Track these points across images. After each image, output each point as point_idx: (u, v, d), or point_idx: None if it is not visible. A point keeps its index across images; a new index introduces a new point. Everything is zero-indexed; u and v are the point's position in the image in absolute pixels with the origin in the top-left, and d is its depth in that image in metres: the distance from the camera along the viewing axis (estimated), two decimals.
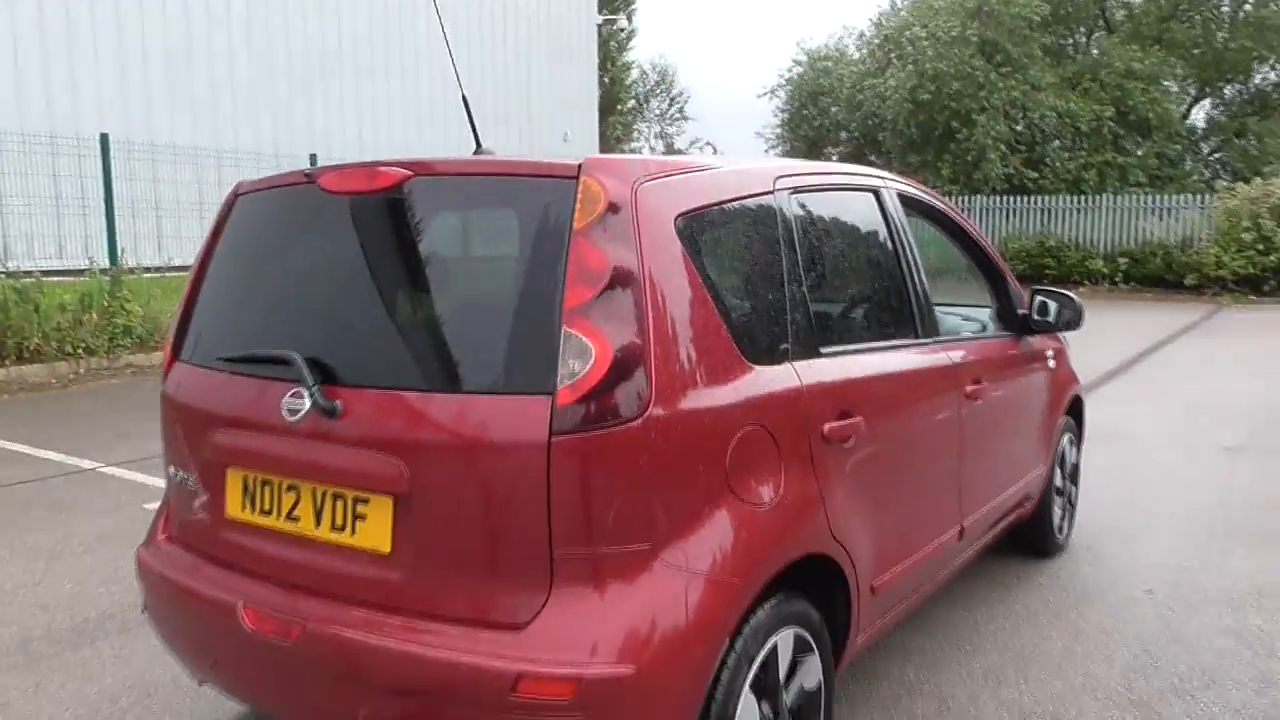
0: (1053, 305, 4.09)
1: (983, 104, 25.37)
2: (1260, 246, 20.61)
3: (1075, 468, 4.86)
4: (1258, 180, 21.69)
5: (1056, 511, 4.60)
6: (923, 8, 26.78)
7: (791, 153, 32.87)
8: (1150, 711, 3.14)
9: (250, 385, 2.41)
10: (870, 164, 31.10)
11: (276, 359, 2.29)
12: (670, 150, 39.78)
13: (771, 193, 2.64)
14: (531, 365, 2.03)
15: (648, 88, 40.71)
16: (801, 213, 2.73)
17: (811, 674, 2.48)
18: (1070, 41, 30.39)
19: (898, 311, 3.18)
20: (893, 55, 26.67)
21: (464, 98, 3.01)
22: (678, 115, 41.34)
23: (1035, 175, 26.01)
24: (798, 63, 32.61)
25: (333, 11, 16.53)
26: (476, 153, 2.78)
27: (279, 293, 2.53)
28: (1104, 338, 13.64)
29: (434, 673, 2.02)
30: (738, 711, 2.17)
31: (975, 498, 3.52)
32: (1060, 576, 4.38)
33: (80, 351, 9.91)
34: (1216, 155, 30.30)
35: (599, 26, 24.25)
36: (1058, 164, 26.34)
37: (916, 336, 3.21)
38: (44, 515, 5.28)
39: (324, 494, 2.25)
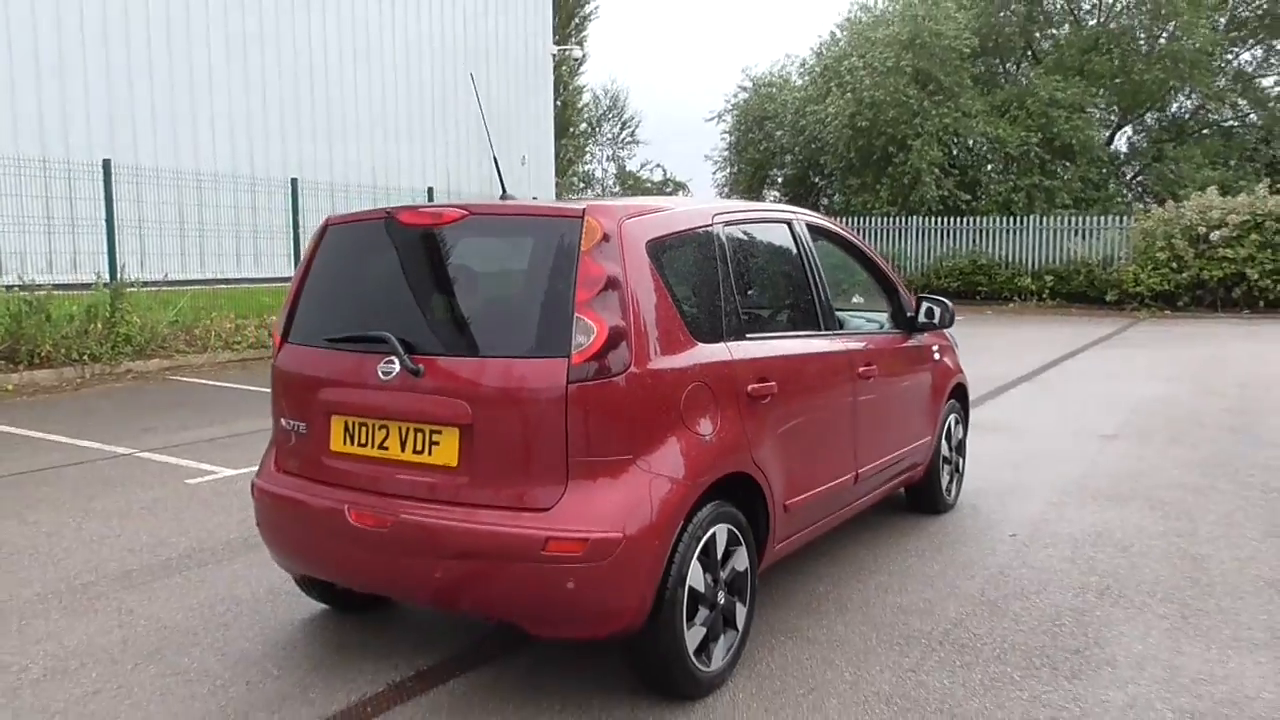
0: (935, 309, 5.26)
1: (917, 130, 26.90)
2: (1174, 265, 22.27)
3: (961, 443, 6.03)
4: (1171, 203, 23.39)
5: (945, 477, 5.75)
6: (860, 39, 28.29)
7: (738, 174, 34.24)
8: (995, 608, 4.27)
9: (350, 357, 3.45)
10: (813, 185, 32.70)
11: (374, 338, 3.35)
12: (622, 172, 41.05)
13: (710, 225, 3.75)
14: (555, 339, 3.10)
15: (600, 112, 42.10)
16: (732, 239, 3.84)
17: (741, 560, 3.56)
18: (1001, 71, 32.15)
19: (805, 310, 4.31)
20: (832, 84, 28.09)
21: (494, 158, 4.06)
22: (629, 139, 42.78)
23: (968, 197, 27.60)
24: (743, 89, 34.03)
25: (304, 40, 17.46)
26: (503, 197, 3.86)
27: (368, 293, 3.59)
28: (1022, 348, 15.01)
29: (490, 540, 3.07)
30: (689, 572, 3.25)
31: (868, 453, 4.64)
32: (946, 526, 5.53)
33: (85, 358, 10.74)
34: (1138, 179, 32.23)
35: (553, 55, 25.40)
36: (989, 187, 27.99)
37: (819, 329, 4.34)
38: (102, 488, 6.21)
39: (407, 429, 3.29)
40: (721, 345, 3.56)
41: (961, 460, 6.05)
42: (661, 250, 3.41)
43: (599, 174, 41.53)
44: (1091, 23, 31.19)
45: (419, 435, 3.28)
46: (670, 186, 39.41)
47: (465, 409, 3.16)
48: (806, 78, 31.94)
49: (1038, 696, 3.42)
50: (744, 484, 3.59)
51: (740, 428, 3.55)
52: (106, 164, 11.85)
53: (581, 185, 39.25)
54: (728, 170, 34.31)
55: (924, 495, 5.66)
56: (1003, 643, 3.89)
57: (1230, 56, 31.47)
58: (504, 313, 3.35)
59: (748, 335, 3.74)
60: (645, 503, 3.11)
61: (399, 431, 3.32)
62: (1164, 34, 30.04)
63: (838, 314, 4.61)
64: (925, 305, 5.26)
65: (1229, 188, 24.41)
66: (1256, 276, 21.54)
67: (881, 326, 5.24)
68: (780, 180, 34.40)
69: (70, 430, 7.97)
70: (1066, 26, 31.83)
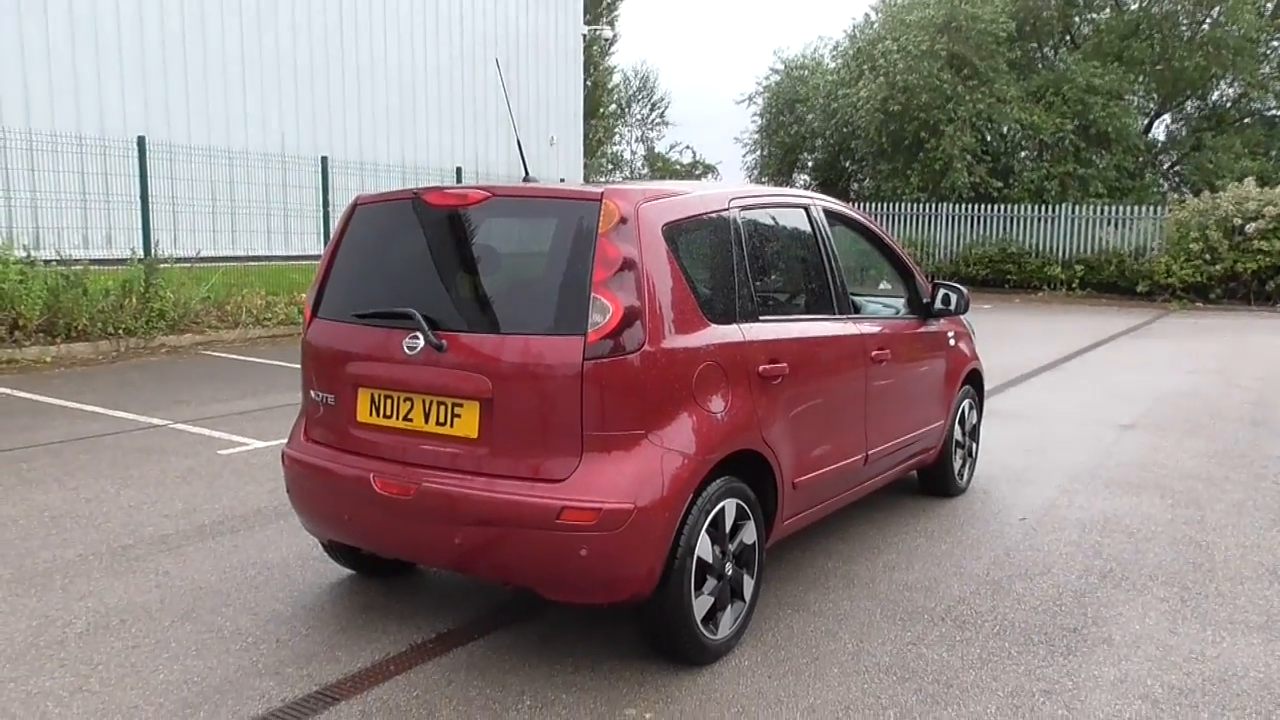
0: (951, 296, 5.35)
1: (950, 115, 26.73)
2: (1207, 256, 22.04)
3: (975, 428, 6.12)
4: (1206, 194, 23.14)
5: (957, 461, 5.84)
6: (894, 22, 28.10)
7: (768, 158, 34.16)
8: (998, 587, 4.39)
9: (377, 332, 3.61)
10: (843, 170, 32.55)
11: (400, 314, 3.50)
12: (651, 153, 41.03)
13: (726, 210, 3.87)
14: (572, 317, 3.25)
15: (630, 93, 42.07)
16: (747, 223, 3.96)
17: (749, 534, 3.70)
18: (1038, 56, 31.81)
19: (819, 294, 4.42)
20: (865, 67, 27.96)
21: (518, 141, 4.19)
22: (659, 120, 42.75)
23: (1000, 185, 27.42)
24: (775, 71, 33.91)
25: (335, 19, 17.63)
26: (525, 179, 4.00)
27: (395, 270, 3.74)
28: (1047, 337, 14.99)
29: (508, 508, 3.23)
30: (697, 544, 3.40)
31: (878, 435, 4.75)
32: (956, 509, 5.63)
33: (121, 332, 11.02)
34: (1175, 168, 31.83)
35: (584, 35, 25.46)
36: (1022, 174, 27.78)
37: (833, 313, 4.45)
38: (138, 457, 6.44)
39: (431, 402, 3.45)
40: (734, 327, 3.68)
41: (974, 445, 6.14)
42: (678, 233, 3.53)
43: (627, 155, 41.58)
44: (1133, 7, 30.72)
45: (441, 408, 3.43)
46: (699, 169, 39.40)
47: (486, 383, 3.31)
48: (839, 60, 31.77)
49: (1032, 670, 3.54)
50: (754, 461, 3.72)
51: (751, 407, 3.67)
52: (141, 141, 12.11)
53: (610, 167, 39.29)
54: (757, 153, 34.25)
55: (936, 478, 5.76)
56: (1002, 620, 4.00)
57: (1276, 44, 30.95)
58: (524, 292, 3.49)
59: (761, 317, 3.87)
60: (656, 476, 3.26)
61: (423, 404, 3.47)
62: (1207, 19, 29.57)
63: (854, 299, 4.72)
64: (941, 292, 5.35)
65: (1268, 179, 24.09)
66: None
67: (898, 312, 5.34)
68: (810, 165, 34.30)
69: (106, 402, 8.23)
70: (1107, 11, 31.35)
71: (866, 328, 4.69)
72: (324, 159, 14.35)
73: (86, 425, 7.38)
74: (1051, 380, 10.79)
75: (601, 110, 38.52)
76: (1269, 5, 29.60)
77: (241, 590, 4.23)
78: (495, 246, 3.62)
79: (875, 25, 29.95)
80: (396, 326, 3.54)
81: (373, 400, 3.61)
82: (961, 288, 5.35)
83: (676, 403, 3.38)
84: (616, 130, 41.23)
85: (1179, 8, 30.11)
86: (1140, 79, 29.76)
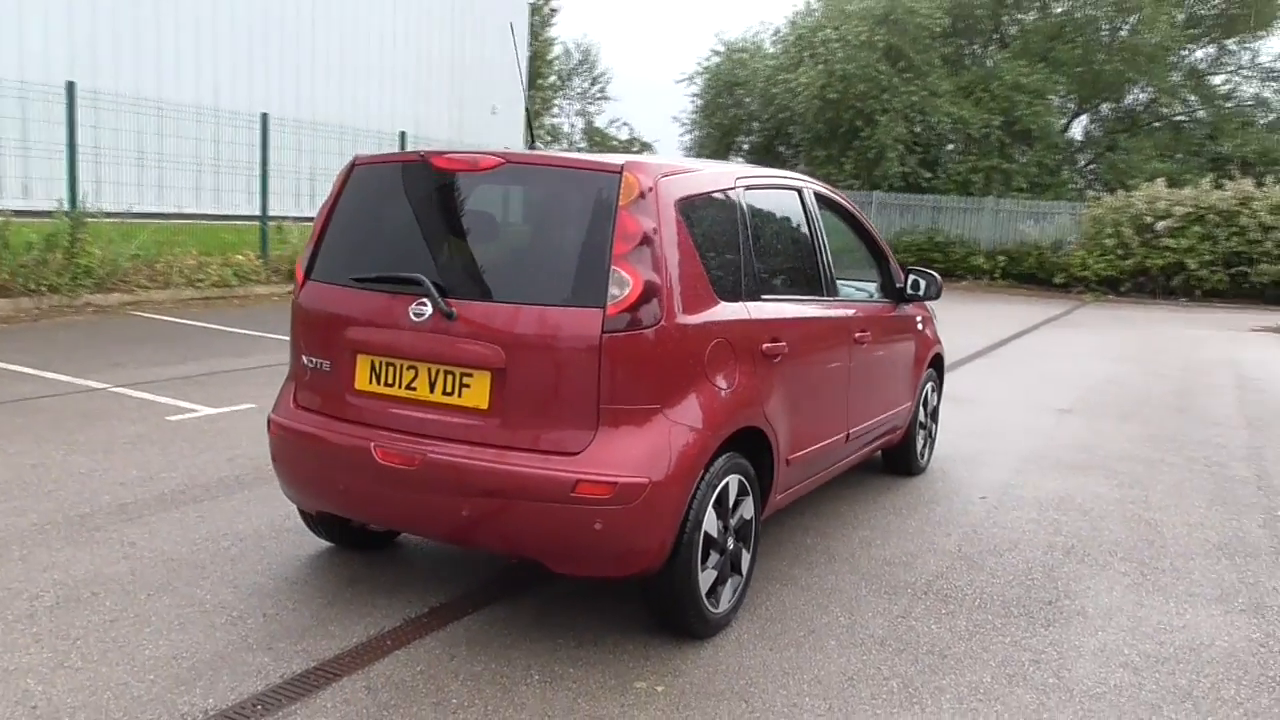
0: (922, 281, 5.45)
1: (885, 106, 27.16)
2: (1120, 251, 22.88)
3: (935, 410, 6.26)
4: (1121, 192, 24.01)
5: (920, 441, 5.98)
6: (835, 11, 28.40)
7: (705, 139, 34.23)
8: (971, 562, 4.51)
9: (379, 297, 3.52)
10: (778, 155, 32.81)
11: (407, 279, 3.42)
12: (590, 128, 40.75)
13: (734, 188, 3.87)
14: (591, 289, 3.21)
15: (571, 66, 41.63)
16: (750, 203, 3.97)
17: (748, 509, 3.73)
18: (968, 53, 32.49)
19: (810, 276, 4.46)
20: (806, 54, 28.19)
21: (527, 108, 4.11)
22: (599, 95, 42.43)
23: (929, 175, 28.00)
24: (716, 53, 33.91)
25: None
26: (530, 148, 3.94)
27: (398, 235, 3.65)
28: (976, 325, 15.37)
29: (520, 480, 3.19)
30: (705, 517, 3.41)
31: (858, 415, 4.83)
32: (919, 487, 5.77)
33: (44, 289, 10.53)
34: (1091, 166, 32.90)
35: (528, 3, 25.13)
36: (950, 166, 28.41)
37: (822, 295, 4.50)
38: (81, 422, 6.18)
39: (437, 371, 3.38)
40: (740, 305, 3.69)
41: (934, 426, 6.28)
42: (691, 209, 3.52)
43: (566, 128, 41.19)
44: (1058, 10, 31.59)
45: (449, 377, 3.37)
46: (636, 146, 39.24)
47: (499, 353, 3.26)
48: (779, 46, 31.97)
49: (1018, 641, 3.66)
50: (754, 438, 3.74)
51: (755, 384, 3.70)
52: (71, 87, 11.51)
53: (548, 139, 38.88)
54: (695, 133, 34.27)
55: (900, 458, 5.88)
56: (981, 594, 4.12)
57: (1185, 53, 32.16)
58: (539, 262, 3.44)
59: (762, 297, 3.89)
60: (670, 451, 3.26)
61: (428, 373, 3.40)
62: (1125, 26, 30.59)
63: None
64: (913, 278, 5.45)
65: (1177, 180, 25.07)
66: (1195, 266, 22.19)
67: (871, 296, 5.42)
68: (746, 147, 34.49)
69: (36, 362, 7.87)
70: (1034, 13, 32.19)
71: (850, 310, 4.76)
72: (264, 116, 13.85)
73: (16, 386, 7.05)
74: (985, 367, 11.09)
75: (540, 81, 38.08)
76: (1179, 17, 30.71)
77: (217, 562, 4.11)
78: (508, 215, 3.57)
79: (817, 13, 30.17)
80: (401, 292, 3.46)
81: (373, 367, 3.52)
82: (934, 274, 5.46)
83: (689, 378, 3.38)
84: (556, 103, 40.82)
85: (1100, 14, 31.08)
86: (1062, 80, 30.63)
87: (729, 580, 3.65)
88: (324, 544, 4.34)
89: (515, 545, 3.38)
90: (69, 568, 3.97)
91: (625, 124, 41.27)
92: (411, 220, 3.68)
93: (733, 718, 3.05)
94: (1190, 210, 22.32)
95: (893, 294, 5.45)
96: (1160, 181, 23.70)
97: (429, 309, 3.36)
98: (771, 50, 33.22)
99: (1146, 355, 12.55)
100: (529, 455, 3.23)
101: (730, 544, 3.62)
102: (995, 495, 5.65)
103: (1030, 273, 24.39)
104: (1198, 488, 5.99)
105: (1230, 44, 32.80)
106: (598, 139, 39.19)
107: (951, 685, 3.30)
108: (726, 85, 33.45)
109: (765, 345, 3.79)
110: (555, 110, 40.48)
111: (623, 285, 3.19)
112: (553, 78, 39.72)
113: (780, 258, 4.34)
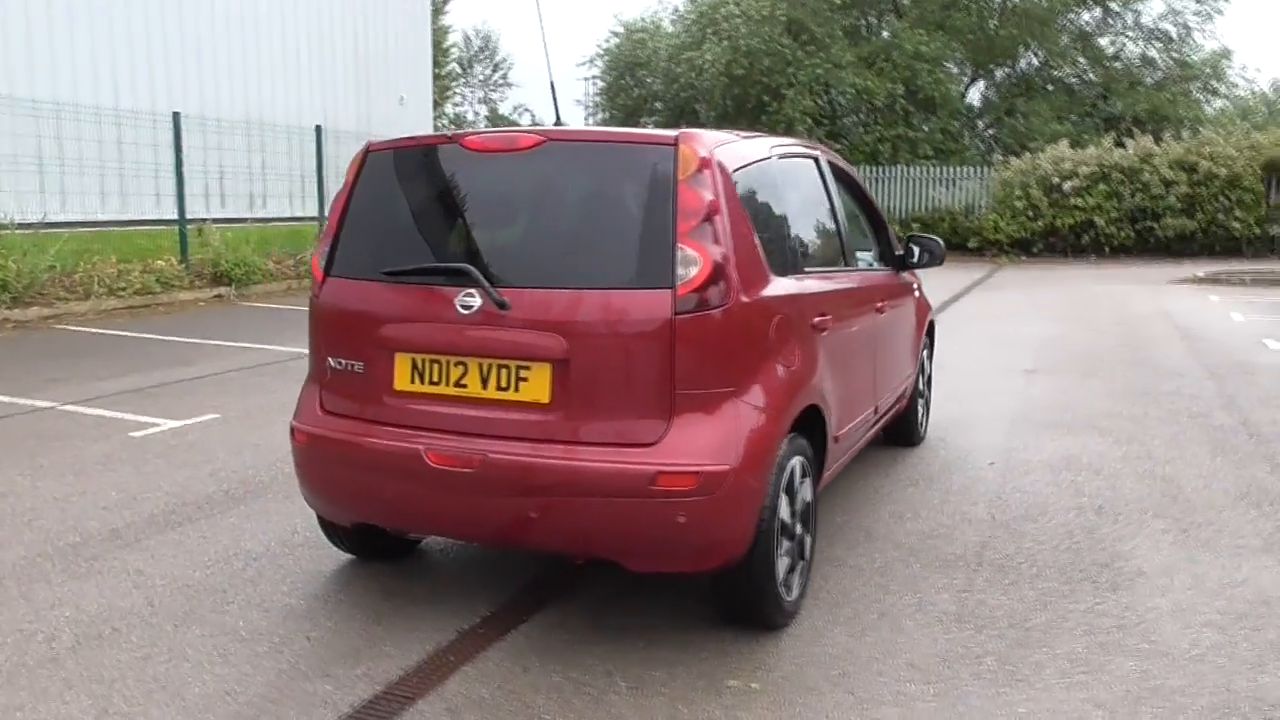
0: (923, 249, 5.38)
1: (791, 80, 27.33)
2: (1030, 213, 23.52)
3: (929, 377, 6.24)
4: (1027, 155, 24.66)
5: (919, 410, 5.94)
6: None
7: (610, 121, 33.97)
8: (1010, 530, 4.46)
9: (417, 291, 3.27)
10: None
11: (451, 270, 3.17)
12: (494, 115, 40.08)
13: (769, 158, 3.71)
14: (657, 270, 3.02)
15: (471, 53, 40.82)
16: (785, 172, 3.82)
17: (807, 491, 3.59)
18: (863, 24, 32.91)
19: (835, 246, 4.34)
20: (708, 30, 28.15)
21: (551, 83, 3.87)
22: (501, 81, 41.72)
23: (838, 147, 28.26)
24: (615, 34, 33.65)
25: None
26: (557, 124, 3.71)
27: (431, 223, 3.40)
28: None
29: (594, 476, 2.99)
30: (779, 504, 3.26)
31: (883, 387, 4.74)
32: (926, 458, 5.72)
33: None
34: (990, 131, 33.72)
35: None
36: (857, 136, 28.77)
37: (844, 265, 4.38)
38: (40, 444, 5.71)
39: (490, 365, 3.15)
40: (791, 279, 3.55)
41: (929, 394, 6.26)
42: (743, 181, 3.35)
43: (470, 116, 40.39)
44: None
45: (503, 371, 3.14)
46: None
47: (560, 343, 3.05)
48: (680, 25, 31.88)
49: (1093, 608, 3.61)
50: (811, 416, 3.61)
51: (812, 361, 3.56)
52: None
53: (453, 128, 38.13)
54: (599, 117, 33.97)
55: (902, 428, 5.82)
56: (1034, 561, 4.07)
57: (1073, 16, 33.16)
58: (595, 243, 3.21)
59: (805, 270, 3.75)
60: (748, 434, 3.10)
61: (479, 368, 3.17)
62: None
63: None
64: (915, 245, 5.37)
65: (1076, 141, 25.86)
66: (1103, 224, 22.95)
67: (871, 264, 5.33)
68: (650, 127, 34.36)
69: None
70: None
71: (871, 280, 4.66)
72: (176, 115, 13.13)
73: None
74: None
75: (438, 70, 37.24)
76: None
77: (237, 585, 3.80)
78: (554, 195, 3.31)
79: None
80: (444, 284, 3.21)
81: (414, 366, 3.27)
82: (937, 240, 5.39)
83: (758, 358, 3.22)
84: (457, 91, 40.02)
85: None
86: (959, 47, 31.28)
87: (797, 566, 3.51)
88: (344, 557, 4.06)
89: (587, 545, 3.17)
90: (78, 603, 3.62)
91: (526, 109, 40.73)
92: (445, 207, 3.42)
93: (841, 711, 2.91)
94: (1095, 169, 23.03)
95: (893, 261, 5.37)
96: (1064, 143, 24.40)
97: (478, 300, 3.13)
98: (671, 29, 33.12)
99: (1079, 313, 12.85)
100: (600, 449, 3.03)
101: (798, 529, 3.48)
102: (1002, 460, 5.64)
103: (945, 238, 24.55)
104: (1193, 439, 6.08)
105: (1114, 5, 33.94)
106: (505, 125, 38.63)
107: (1047, 659, 3.22)
108: (628, 66, 33.23)
109: (816, 319, 3.65)
110: (459, 98, 39.75)
111: (691, 264, 3.00)
112: (451, 65, 38.95)
113: (812, 229, 4.21)
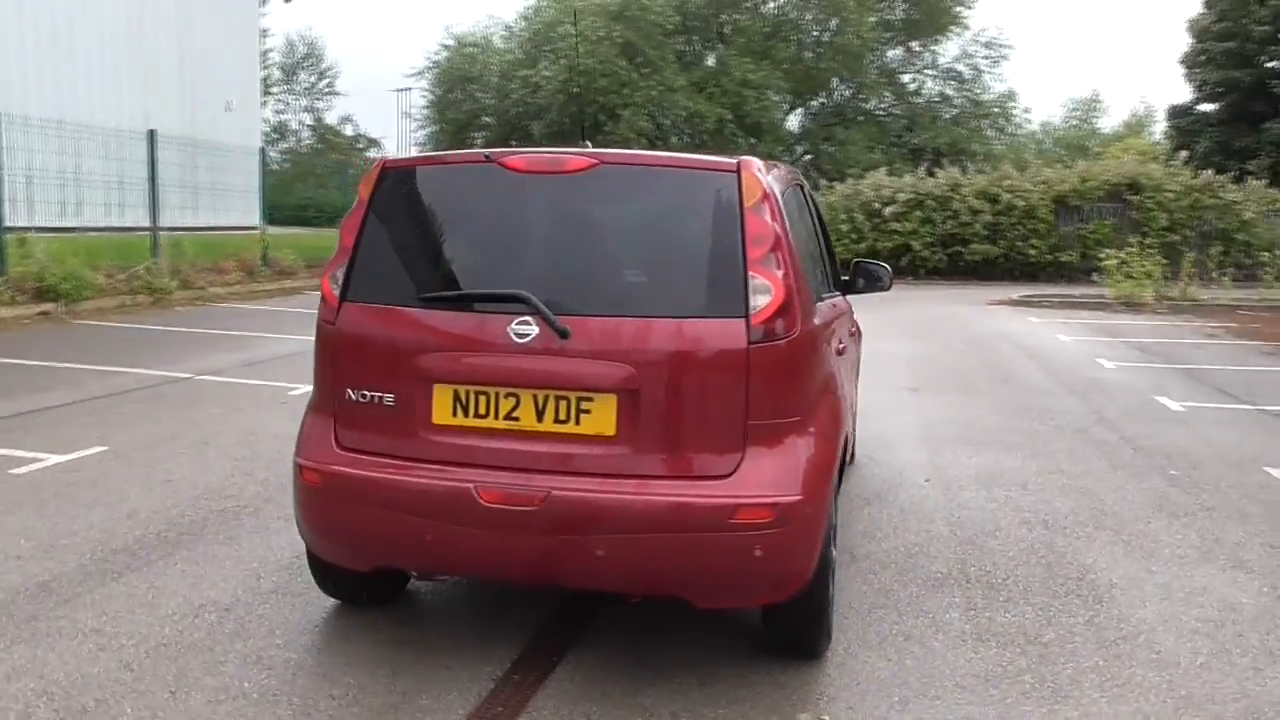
0: (868, 275, 5.53)
1: (627, 100, 27.75)
2: (854, 236, 24.72)
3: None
4: (849, 181, 25.96)
5: (856, 429, 6.09)
6: (569, 8, 28.60)
7: (439, 134, 33.42)
8: (977, 546, 4.63)
9: (461, 318, 3.07)
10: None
11: (507, 297, 3.00)
12: (320, 124, 38.51)
13: (789, 188, 3.72)
14: (728, 298, 2.97)
15: (296, 59, 39.05)
16: (799, 201, 3.84)
17: (834, 514, 3.60)
18: (690, 50, 33.85)
19: (825, 273, 4.40)
20: (545, 49, 28.20)
21: (579, 91, 3.70)
22: (327, 90, 40.05)
23: None
24: (445, 46, 33.18)
25: None
26: (582, 140, 3.58)
27: (470, 247, 3.20)
28: None
29: (671, 511, 2.90)
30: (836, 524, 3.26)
31: (851, 409, 4.84)
32: (865, 476, 5.87)
33: None
34: (809, 157, 35.36)
35: None
36: None
37: (830, 292, 4.45)
38: None
39: (546, 397, 2.99)
40: (826, 303, 3.57)
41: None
42: (788, 207, 3.35)
43: (294, 125, 38.59)
44: (772, 7, 33.57)
45: (563, 403, 2.99)
46: (362, 143, 37.58)
47: (629, 373, 2.94)
48: (514, 42, 31.76)
49: (1091, 621, 3.79)
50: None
51: (844, 386, 3.59)
52: None
53: (275, 136, 36.35)
54: (428, 129, 33.36)
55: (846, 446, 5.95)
56: (1014, 576, 4.24)
57: (880, 53, 35.31)
58: (658, 270, 3.11)
59: (822, 296, 3.78)
60: (815, 463, 3.08)
61: (534, 400, 3.01)
62: (832, 21, 33.06)
63: None
64: (862, 268, 5.51)
65: (891, 170, 27.48)
66: (919, 247, 24.40)
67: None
68: (480, 142, 33.98)
69: None
70: (746, 13, 34.01)
71: (843, 305, 4.75)
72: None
73: None
74: None
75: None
76: (871, 20, 33.66)
77: (220, 641, 3.44)
78: (609, 220, 3.19)
79: (551, 10, 30.21)
80: (493, 310, 3.03)
81: (458, 398, 3.06)
82: (884, 265, 5.55)
83: (816, 385, 3.22)
84: (280, 98, 38.17)
85: (809, 16, 33.47)
86: (780, 76, 32.70)
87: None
88: (327, 604, 3.76)
89: (656, 583, 3.06)
90: (41, 671, 3.18)
91: (349, 120, 39.40)
92: (486, 230, 3.23)
93: None
94: (911, 196, 24.50)
95: (839, 285, 5.49)
96: (882, 171, 25.86)
97: (534, 328, 2.97)
98: (503, 46, 32.96)
99: (929, 331, 13.58)
100: (673, 482, 2.94)
101: (832, 552, 3.49)
102: (935, 477, 5.86)
103: None
104: (1088, 454, 6.52)
105: (915, 45, 36.41)
106: (329, 136, 37.15)
107: (1077, 673, 3.35)
108: (458, 80, 32.84)
109: (838, 346, 3.69)
110: (282, 106, 37.95)
111: (763, 293, 2.97)
112: (270, 70, 37.21)
113: (814, 256, 4.25)
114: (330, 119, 39.18)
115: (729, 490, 2.92)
